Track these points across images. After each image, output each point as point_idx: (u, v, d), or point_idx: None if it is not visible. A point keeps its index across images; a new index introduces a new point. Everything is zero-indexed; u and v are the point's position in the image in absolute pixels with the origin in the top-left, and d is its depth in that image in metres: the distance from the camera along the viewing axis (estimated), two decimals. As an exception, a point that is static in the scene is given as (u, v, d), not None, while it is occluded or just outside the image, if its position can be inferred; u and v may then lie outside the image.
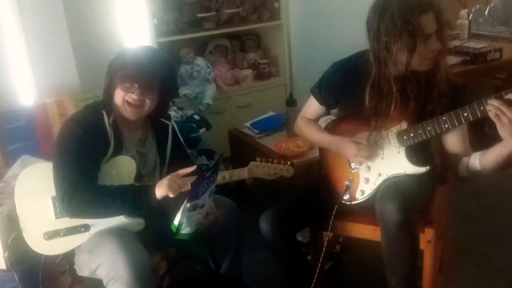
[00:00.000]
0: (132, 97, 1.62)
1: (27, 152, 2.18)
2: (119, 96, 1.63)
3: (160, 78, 1.65)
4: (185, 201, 1.47)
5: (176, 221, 1.51)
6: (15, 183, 1.68)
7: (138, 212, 1.65)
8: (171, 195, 1.57)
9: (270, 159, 1.84)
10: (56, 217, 1.64)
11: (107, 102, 1.68)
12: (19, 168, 2.07)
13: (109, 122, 1.64)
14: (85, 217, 1.62)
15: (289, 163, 1.87)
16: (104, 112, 1.65)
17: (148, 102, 1.65)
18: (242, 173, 1.80)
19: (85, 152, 1.58)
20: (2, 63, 2.36)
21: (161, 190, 1.58)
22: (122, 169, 1.67)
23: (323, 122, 2.02)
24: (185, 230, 1.54)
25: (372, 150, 1.68)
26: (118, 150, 1.67)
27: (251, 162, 1.81)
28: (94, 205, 1.56)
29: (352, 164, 1.77)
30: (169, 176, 1.61)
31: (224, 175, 1.76)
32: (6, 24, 2.33)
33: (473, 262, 2.26)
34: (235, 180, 1.80)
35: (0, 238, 1.68)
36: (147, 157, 1.78)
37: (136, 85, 1.61)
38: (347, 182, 1.75)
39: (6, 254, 1.67)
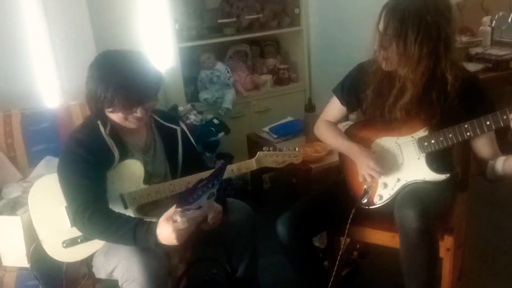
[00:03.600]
0: (136, 116, 1.59)
1: (50, 153, 2.22)
2: (119, 117, 1.59)
3: (160, 87, 1.61)
4: (175, 206, 1.44)
5: None
6: (28, 196, 1.69)
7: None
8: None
9: (278, 147, 1.82)
10: (72, 225, 1.64)
11: (99, 112, 1.62)
12: (43, 169, 2.12)
13: (105, 132, 1.61)
14: (95, 238, 1.61)
15: (296, 149, 1.85)
16: (99, 123, 1.62)
17: (150, 111, 1.65)
18: (250, 165, 1.77)
19: (89, 171, 1.56)
20: (29, 66, 2.42)
21: (168, 240, 1.46)
22: (130, 172, 1.66)
23: (342, 127, 2.01)
24: None
25: (382, 168, 1.68)
26: (124, 157, 1.65)
27: (258, 152, 1.79)
28: (99, 232, 1.55)
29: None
30: (172, 228, 1.43)
31: (232, 169, 1.73)
32: (33, 28, 2.39)
33: (493, 271, 2.22)
34: (246, 173, 1.75)
35: (24, 237, 1.71)
36: (155, 164, 1.74)
37: (140, 106, 1.57)
38: (365, 186, 1.75)
39: (29, 265, 1.71)
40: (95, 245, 1.66)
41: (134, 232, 1.49)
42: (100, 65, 1.58)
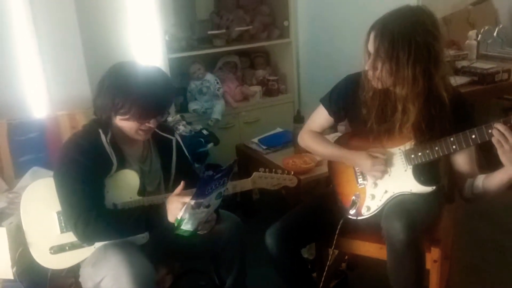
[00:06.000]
0: (149, 126, 1.64)
1: (37, 164, 2.20)
2: (132, 127, 1.63)
3: (173, 100, 1.68)
4: (190, 198, 1.48)
5: (179, 216, 1.52)
6: (22, 196, 1.68)
7: (151, 232, 1.65)
8: None
9: (274, 170, 1.84)
10: (62, 232, 1.65)
11: (103, 120, 1.66)
12: (29, 179, 2.10)
13: (106, 140, 1.63)
14: (100, 241, 1.63)
15: (292, 173, 1.87)
16: (100, 131, 1.64)
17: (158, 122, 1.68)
18: (245, 184, 1.80)
19: (89, 177, 1.58)
20: (16, 76, 2.40)
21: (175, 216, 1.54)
22: (125, 182, 1.67)
23: (330, 139, 2.02)
24: (186, 227, 1.54)
25: (387, 165, 1.69)
26: (122, 167, 1.67)
27: (254, 173, 1.81)
28: (108, 230, 1.58)
29: (359, 180, 1.78)
30: (177, 201, 1.54)
31: (227, 187, 1.76)
32: (21, 37, 2.38)
33: (480, 283, 2.23)
34: (239, 192, 1.79)
35: (9, 249, 1.69)
36: (151, 174, 1.77)
37: (155, 117, 1.63)
38: (353, 197, 1.76)
39: (14, 269, 1.69)
40: (82, 254, 1.65)
41: (147, 214, 1.58)
42: (119, 74, 1.62)
